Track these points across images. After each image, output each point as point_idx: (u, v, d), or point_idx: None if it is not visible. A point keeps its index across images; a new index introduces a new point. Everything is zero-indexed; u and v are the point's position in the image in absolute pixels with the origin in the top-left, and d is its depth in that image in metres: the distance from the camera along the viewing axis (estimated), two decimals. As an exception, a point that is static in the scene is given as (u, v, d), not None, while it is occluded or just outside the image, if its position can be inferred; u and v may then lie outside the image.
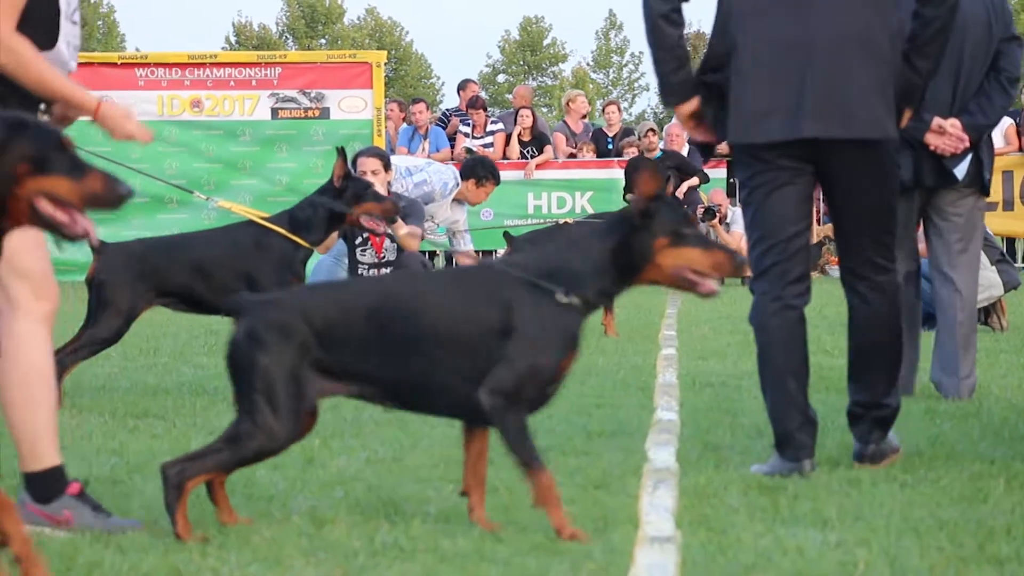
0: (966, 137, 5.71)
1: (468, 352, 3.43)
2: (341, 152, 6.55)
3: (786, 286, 4.37)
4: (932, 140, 5.72)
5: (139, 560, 3.25)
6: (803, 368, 4.38)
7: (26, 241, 3.48)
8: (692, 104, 4.46)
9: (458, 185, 10.09)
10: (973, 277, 6.06)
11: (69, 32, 3.71)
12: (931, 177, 5.81)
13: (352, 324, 3.46)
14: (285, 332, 3.44)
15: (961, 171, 5.84)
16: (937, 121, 5.70)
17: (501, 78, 55.83)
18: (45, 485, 3.57)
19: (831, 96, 4.26)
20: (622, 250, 3.52)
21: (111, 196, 2.86)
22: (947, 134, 5.70)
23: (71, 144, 2.89)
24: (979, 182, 5.92)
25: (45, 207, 2.84)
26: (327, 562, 3.24)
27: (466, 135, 16.29)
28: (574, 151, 16.60)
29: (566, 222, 11.34)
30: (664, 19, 4.38)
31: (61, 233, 2.87)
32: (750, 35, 4.32)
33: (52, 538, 3.47)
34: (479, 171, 10.18)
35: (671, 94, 4.48)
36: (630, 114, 51.94)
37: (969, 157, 5.84)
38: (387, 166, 8.61)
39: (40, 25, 3.61)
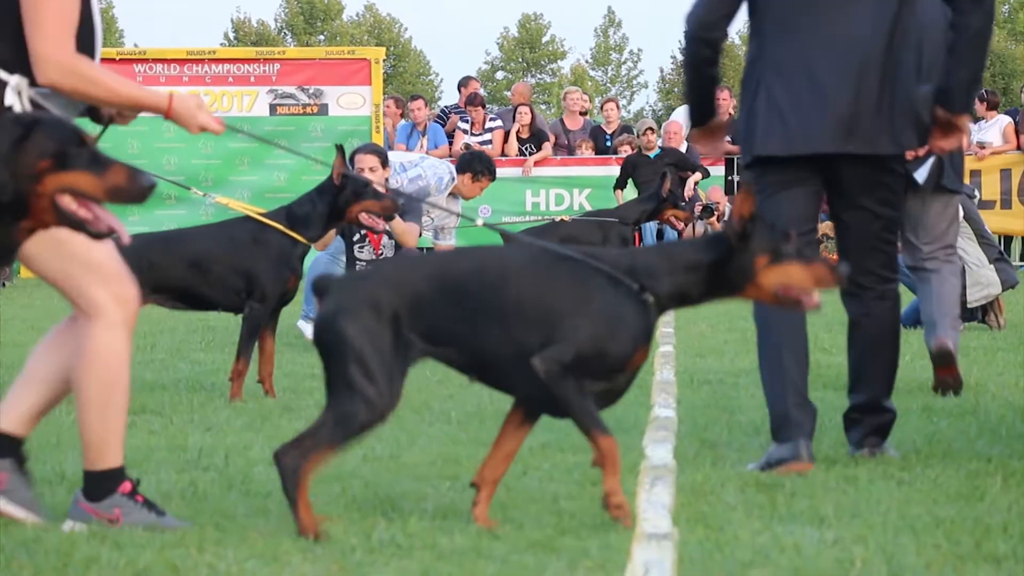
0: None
1: (542, 331, 3.45)
2: (340, 149, 6.55)
3: None
4: None
5: (136, 556, 3.25)
6: (802, 352, 4.41)
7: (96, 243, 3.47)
8: (713, 122, 4.63)
9: (453, 180, 10.06)
10: (951, 267, 6.25)
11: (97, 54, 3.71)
12: None
13: (439, 295, 3.48)
14: (374, 302, 3.44)
15: (922, 175, 6.00)
16: None
17: (500, 75, 55.85)
18: (100, 484, 3.59)
19: (842, 112, 4.34)
20: (717, 267, 3.55)
21: (134, 189, 2.86)
22: None
23: (91, 139, 2.89)
24: (938, 183, 6.10)
25: (68, 204, 2.84)
26: (324, 558, 3.24)
27: (465, 132, 16.29)
28: (568, 149, 16.59)
29: (563, 219, 11.34)
30: (707, 63, 4.49)
31: (86, 230, 2.86)
32: (769, 50, 4.43)
33: (49, 534, 3.47)
34: (475, 166, 10.15)
35: (700, 115, 4.64)
36: (628, 111, 51.98)
37: (930, 161, 5.94)
38: (384, 163, 8.60)
39: (81, 47, 3.57)
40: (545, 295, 3.48)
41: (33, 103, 3.53)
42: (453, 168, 10.20)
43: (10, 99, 3.50)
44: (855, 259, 4.46)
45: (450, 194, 10.12)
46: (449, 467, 4.34)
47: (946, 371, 6.00)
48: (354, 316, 3.43)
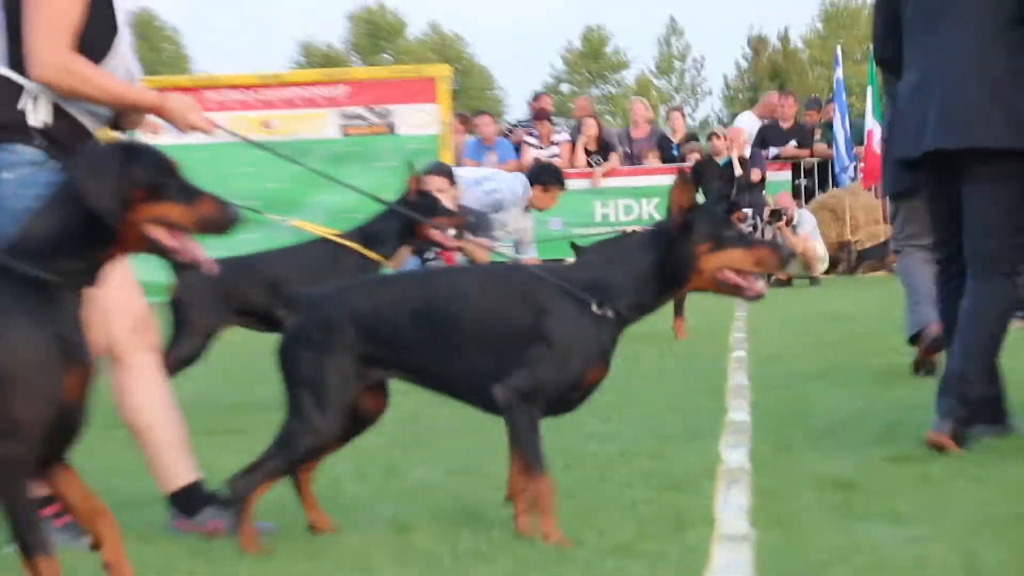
0: None
1: (498, 350, 3.49)
2: (413, 168, 6.66)
3: (952, 278, 4.83)
4: None
5: (234, 569, 3.35)
6: (966, 342, 4.64)
7: (119, 282, 3.56)
8: None
9: (527, 192, 10.16)
10: (924, 253, 6.46)
11: (129, 63, 3.76)
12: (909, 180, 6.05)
13: (394, 318, 3.54)
14: (330, 328, 3.52)
15: None
16: None
17: (565, 88, 55.85)
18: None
19: (950, 113, 4.56)
20: (664, 263, 3.57)
21: (222, 220, 2.89)
22: None
23: (180, 169, 2.91)
24: None
25: (157, 233, 2.86)
26: (413, 568, 3.32)
27: (532, 146, 16.37)
28: (634, 158, 16.63)
29: (634, 230, 11.37)
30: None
31: (172, 260, 2.90)
32: (905, 59, 4.81)
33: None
34: (544, 177, 10.24)
35: None
36: (694, 120, 51.78)
37: None
38: (452, 182, 8.71)
39: (93, 48, 3.63)
40: (502, 317, 3.51)
41: (58, 109, 3.57)
42: (526, 180, 10.29)
43: (22, 103, 3.54)
44: (971, 243, 4.64)
45: (524, 207, 10.22)
46: (529, 477, 4.40)
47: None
48: (309, 343, 3.51)
